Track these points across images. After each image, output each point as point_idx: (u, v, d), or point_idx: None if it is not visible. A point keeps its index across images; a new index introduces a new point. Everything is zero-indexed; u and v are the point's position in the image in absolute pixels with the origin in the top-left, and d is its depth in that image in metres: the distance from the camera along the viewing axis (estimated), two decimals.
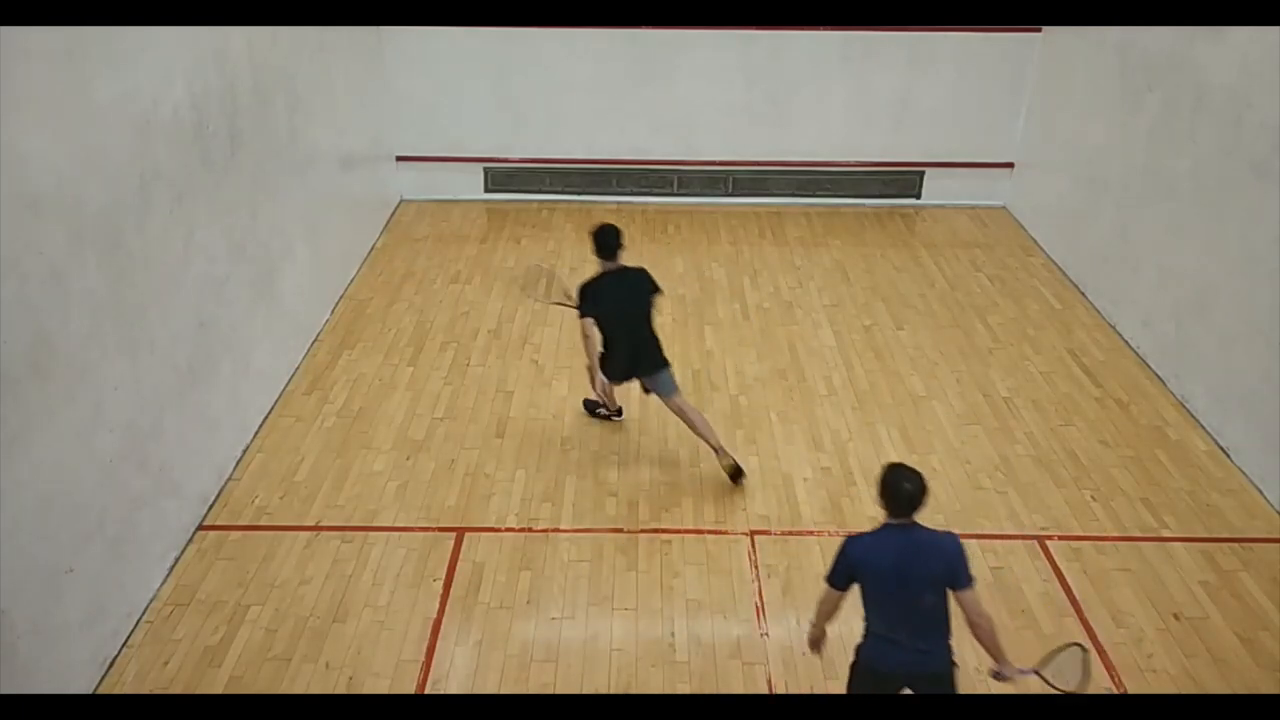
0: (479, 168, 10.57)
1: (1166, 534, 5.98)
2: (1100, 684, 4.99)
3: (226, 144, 6.29)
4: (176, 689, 4.92)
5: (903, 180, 10.59)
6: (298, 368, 7.54)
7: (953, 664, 4.02)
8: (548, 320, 8.12)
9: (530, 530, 5.98)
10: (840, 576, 4.00)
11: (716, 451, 6.28)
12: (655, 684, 4.99)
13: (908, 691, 4.06)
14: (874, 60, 9.98)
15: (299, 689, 4.93)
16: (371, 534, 5.93)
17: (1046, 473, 6.49)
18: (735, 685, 4.99)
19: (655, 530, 5.98)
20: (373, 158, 9.79)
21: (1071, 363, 7.73)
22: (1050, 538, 5.94)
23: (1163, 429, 6.94)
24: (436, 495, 6.25)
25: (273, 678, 4.99)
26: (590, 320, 6.15)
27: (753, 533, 5.96)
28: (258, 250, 6.81)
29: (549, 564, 5.72)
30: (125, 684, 4.94)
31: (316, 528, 5.97)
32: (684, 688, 4.98)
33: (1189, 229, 7.21)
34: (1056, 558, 5.79)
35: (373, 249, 9.54)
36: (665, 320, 8.28)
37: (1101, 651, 5.17)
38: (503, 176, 10.59)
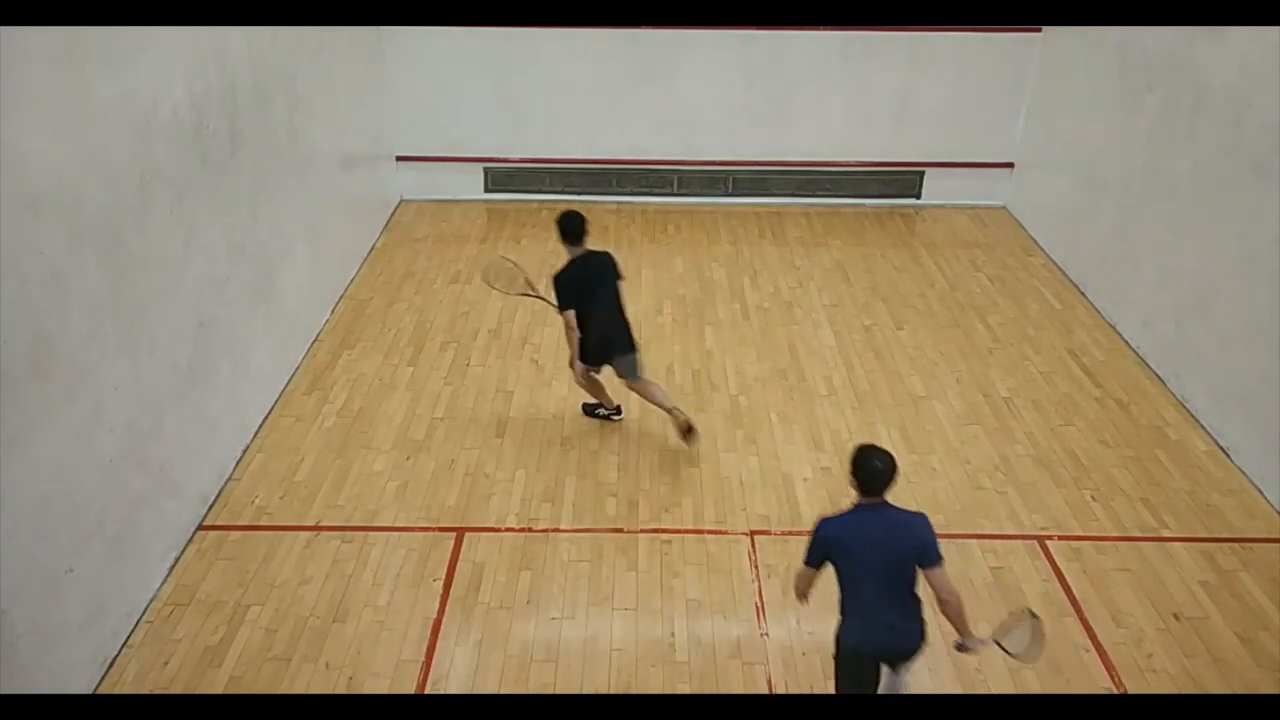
0: (479, 168, 10.57)
1: (1166, 534, 5.98)
2: (1099, 683, 5.00)
3: (226, 144, 6.29)
4: (176, 689, 4.92)
5: (903, 180, 10.59)
6: (298, 368, 7.54)
7: (924, 638, 4.18)
8: (548, 320, 8.11)
9: (530, 530, 5.98)
10: (814, 555, 4.14)
11: (671, 413, 6.45)
12: (655, 684, 4.99)
13: (885, 669, 4.25)
14: (874, 60, 9.98)
15: (299, 689, 4.93)
16: (371, 534, 5.93)
17: (1046, 473, 6.49)
18: (735, 685, 4.99)
19: (655, 530, 5.98)
20: (373, 158, 9.80)
21: (1071, 363, 7.73)
22: (1050, 538, 5.94)
23: (1163, 429, 6.94)
24: (436, 495, 6.25)
25: (273, 678, 4.99)
26: (572, 312, 6.26)
27: (753, 533, 5.96)
28: (258, 250, 6.81)
29: (549, 564, 5.72)
30: (125, 684, 4.94)
31: (316, 528, 5.97)
32: (684, 688, 4.98)
33: (1189, 229, 7.21)
34: (1056, 558, 5.79)
35: (373, 249, 9.54)
36: (665, 320, 8.29)
37: (1101, 651, 5.17)
38: (503, 176, 10.59)
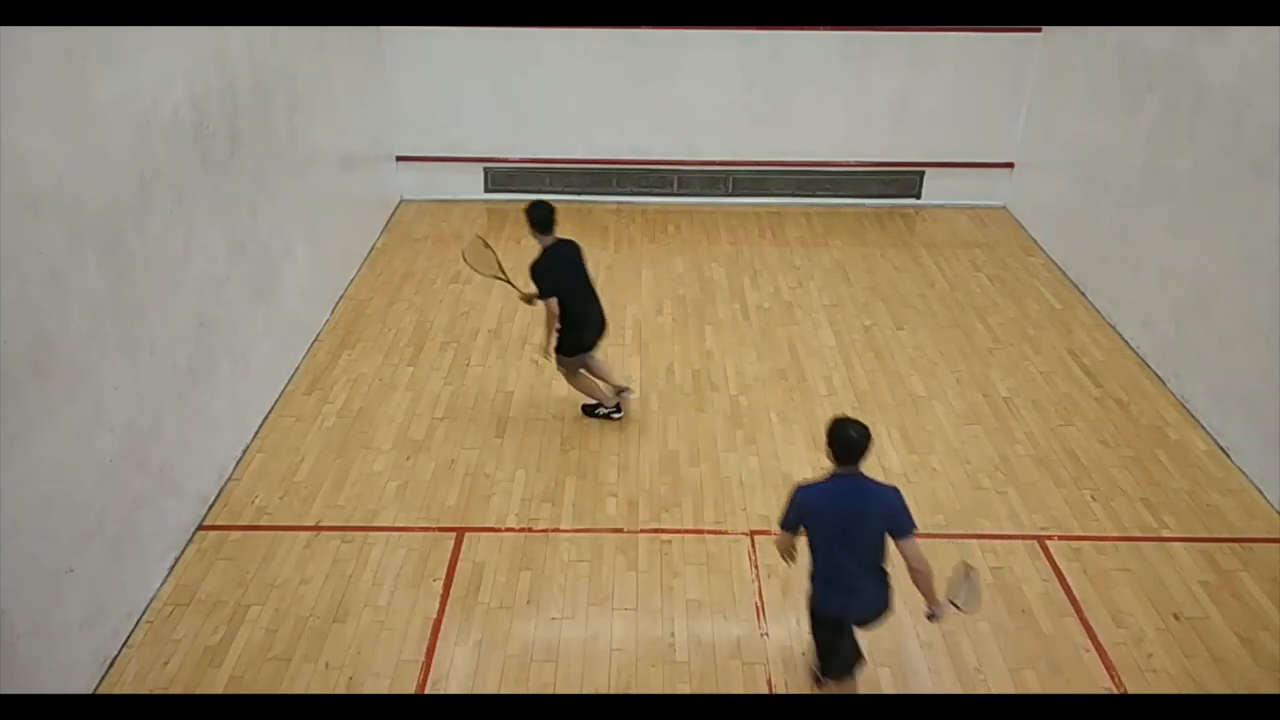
0: (479, 168, 10.57)
1: (1166, 534, 5.98)
2: (1099, 683, 5.00)
3: (226, 144, 6.29)
4: (176, 689, 4.92)
5: (903, 180, 10.59)
6: (298, 368, 7.54)
7: (889, 602, 4.37)
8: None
9: (530, 530, 5.98)
10: (790, 521, 4.34)
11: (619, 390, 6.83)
12: (655, 684, 4.99)
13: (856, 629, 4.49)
14: (874, 60, 9.98)
15: (299, 689, 4.93)
16: (371, 534, 5.93)
17: (1046, 473, 6.49)
18: (735, 685, 4.99)
19: (655, 530, 5.99)
20: (373, 158, 9.80)
21: (1071, 363, 7.73)
22: (1050, 538, 5.94)
23: (1163, 429, 6.94)
24: (436, 495, 6.25)
25: (273, 678, 4.99)
26: (554, 300, 6.36)
27: (753, 533, 5.96)
28: (258, 250, 6.81)
29: (549, 564, 5.72)
30: (125, 684, 4.94)
31: (316, 528, 5.98)
32: (684, 688, 4.98)
33: (1189, 229, 7.21)
34: (1056, 558, 5.79)
35: (373, 249, 9.54)
36: (665, 320, 8.29)
37: (1101, 651, 5.17)
38: (503, 176, 10.59)
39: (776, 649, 5.18)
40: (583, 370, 6.77)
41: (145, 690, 4.90)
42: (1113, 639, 5.25)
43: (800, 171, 10.53)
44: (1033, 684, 4.99)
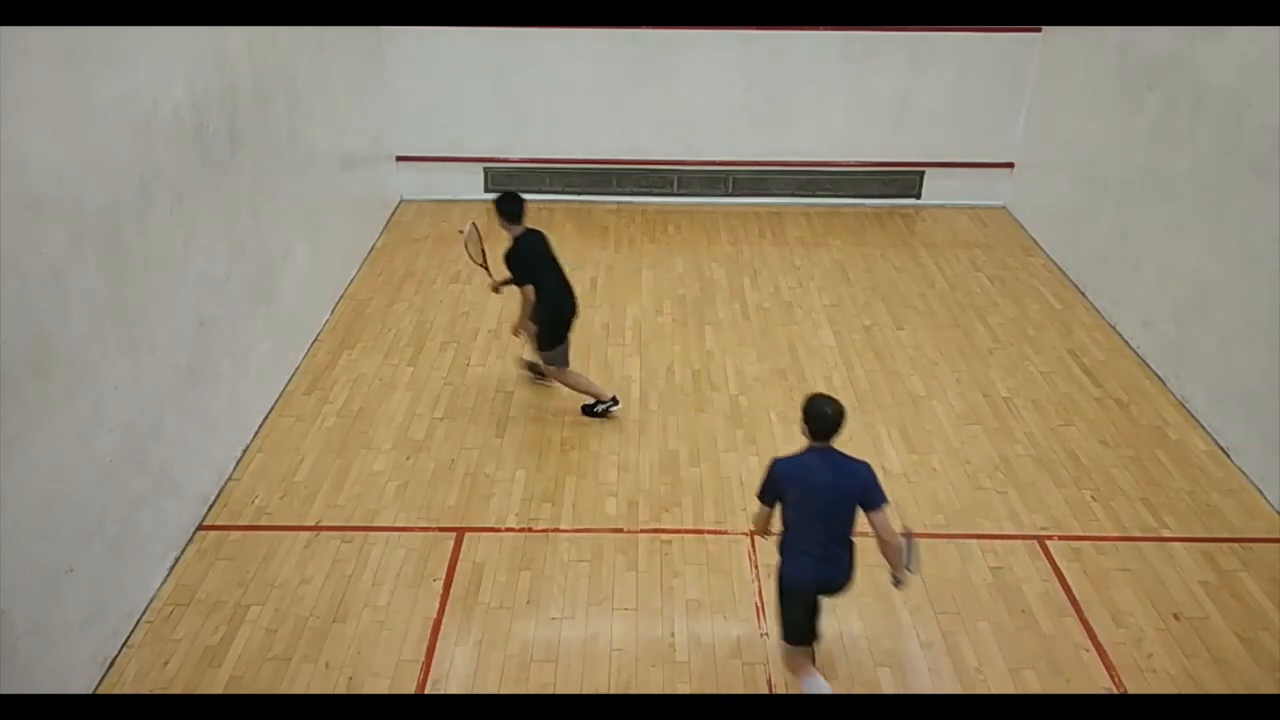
0: (479, 168, 10.56)
1: (1166, 534, 5.98)
2: (1099, 683, 5.00)
3: (226, 144, 6.29)
4: (176, 689, 4.92)
5: (903, 180, 10.59)
6: (298, 368, 7.54)
7: (851, 574, 4.53)
8: None
9: (530, 530, 5.98)
10: (767, 493, 4.49)
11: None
12: (655, 684, 4.99)
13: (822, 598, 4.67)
14: (874, 60, 9.98)
15: (299, 689, 4.93)
16: (371, 534, 5.93)
17: (1046, 473, 6.49)
18: (735, 685, 4.99)
19: (655, 530, 5.99)
20: (373, 158, 9.80)
21: (1071, 363, 7.73)
22: (1050, 538, 5.94)
23: (1163, 429, 6.94)
24: (436, 495, 6.25)
25: (273, 678, 4.99)
26: (531, 287, 6.51)
27: (753, 532, 5.95)
28: (258, 250, 6.81)
29: (549, 564, 5.72)
30: (125, 684, 4.94)
31: (316, 528, 5.97)
32: (684, 688, 4.98)
33: (1189, 229, 7.21)
34: (1056, 558, 5.79)
35: (373, 249, 9.54)
36: (665, 320, 8.29)
37: (1101, 651, 5.17)
38: (503, 176, 10.58)
39: (776, 649, 5.18)
40: (570, 369, 6.87)
41: (145, 690, 4.90)
42: (1113, 639, 5.25)
43: (800, 171, 10.53)
44: (1033, 684, 4.99)
